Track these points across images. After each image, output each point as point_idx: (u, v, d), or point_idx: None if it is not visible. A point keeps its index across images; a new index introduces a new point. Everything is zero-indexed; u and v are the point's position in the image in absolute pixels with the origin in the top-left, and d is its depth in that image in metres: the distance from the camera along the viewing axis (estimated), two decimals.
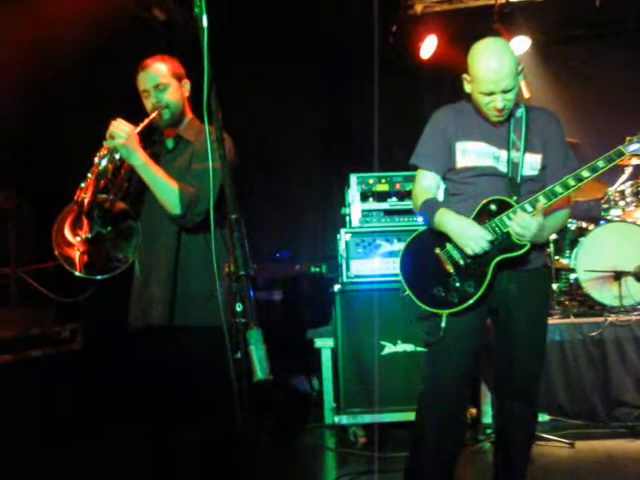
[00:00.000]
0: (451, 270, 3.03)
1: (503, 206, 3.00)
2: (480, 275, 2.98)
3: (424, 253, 3.12)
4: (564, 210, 3.13)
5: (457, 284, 3.01)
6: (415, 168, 3.25)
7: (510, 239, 2.96)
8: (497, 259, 2.98)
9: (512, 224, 2.93)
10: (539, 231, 2.90)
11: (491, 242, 2.96)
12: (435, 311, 3.03)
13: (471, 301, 2.97)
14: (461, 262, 3.02)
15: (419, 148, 3.24)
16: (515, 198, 3.00)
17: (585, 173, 2.96)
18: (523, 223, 2.89)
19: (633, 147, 3.00)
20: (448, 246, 3.05)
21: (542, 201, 2.93)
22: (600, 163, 2.96)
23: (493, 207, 3.01)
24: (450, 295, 3.01)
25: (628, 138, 3.03)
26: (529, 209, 2.94)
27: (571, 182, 2.95)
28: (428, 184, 3.19)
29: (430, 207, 3.09)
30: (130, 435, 3.79)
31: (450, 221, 3.02)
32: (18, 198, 5.93)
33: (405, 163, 3.32)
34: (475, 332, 3.11)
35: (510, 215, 2.96)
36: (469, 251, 2.96)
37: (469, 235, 2.95)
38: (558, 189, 2.95)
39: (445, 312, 3.00)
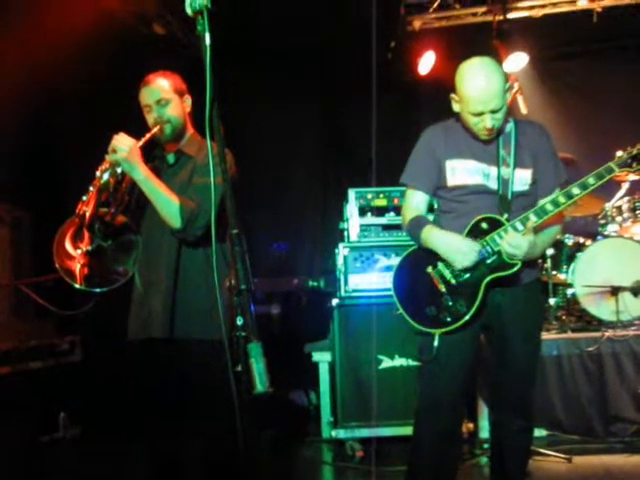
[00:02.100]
0: (443, 289, 3.02)
1: (494, 224, 2.99)
2: (472, 294, 2.97)
3: (416, 272, 3.10)
4: (556, 226, 3.13)
5: (449, 303, 2.99)
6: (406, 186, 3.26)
7: (501, 258, 2.95)
8: (488, 278, 2.97)
9: (503, 243, 2.92)
10: (530, 249, 2.90)
11: (482, 261, 2.96)
12: (428, 330, 3.03)
13: (463, 320, 2.96)
14: (453, 281, 3.00)
15: (408, 167, 3.24)
16: (506, 215, 2.99)
17: (575, 190, 2.95)
18: (514, 242, 2.88)
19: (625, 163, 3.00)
20: (439, 265, 3.04)
21: (533, 219, 2.93)
22: (590, 180, 2.96)
23: (484, 225, 3.00)
24: (443, 314, 3.00)
25: (618, 154, 3.03)
26: (520, 227, 2.94)
27: (561, 199, 2.95)
28: (417, 203, 3.19)
29: (418, 224, 3.09)
30: (130, 448, 3.80)
31: (436, 237, 3.02)
32: (17, 210, 5.95)
33: None
34: (468, 349, 3.11)
35: (501, 234, 2.95)
36: (458, 265, 2.95)
37: (457, 249, 2.95)
38: (548, 207, 2.95)
39: (438, 331, 2.99)
